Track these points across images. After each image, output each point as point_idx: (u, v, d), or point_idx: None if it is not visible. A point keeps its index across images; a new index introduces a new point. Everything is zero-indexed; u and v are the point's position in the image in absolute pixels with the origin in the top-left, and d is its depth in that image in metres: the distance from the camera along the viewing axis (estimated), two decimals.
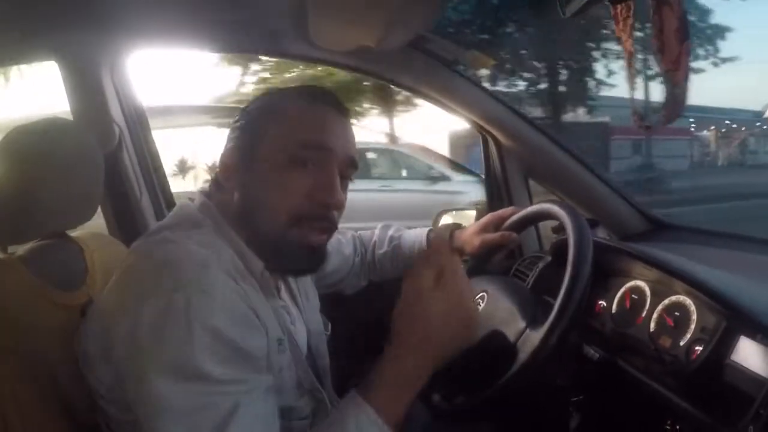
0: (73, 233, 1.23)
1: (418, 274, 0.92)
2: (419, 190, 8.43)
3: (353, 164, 1.04)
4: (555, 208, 1.28)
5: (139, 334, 0.80)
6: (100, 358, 0.87)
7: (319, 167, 0.98)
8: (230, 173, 1.00)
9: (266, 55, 1.68)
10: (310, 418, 1.05)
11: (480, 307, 1.22)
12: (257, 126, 1.00)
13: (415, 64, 1.73)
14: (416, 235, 1.59)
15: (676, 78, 0.81)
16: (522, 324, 1.09)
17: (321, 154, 0.98)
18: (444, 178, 8.83)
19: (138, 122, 1.79)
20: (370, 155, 8.91)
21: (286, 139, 0.97)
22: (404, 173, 9.23)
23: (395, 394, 0.88)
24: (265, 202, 0.97)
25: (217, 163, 1.03)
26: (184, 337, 0.78)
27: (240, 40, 1.71)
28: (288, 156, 0.96)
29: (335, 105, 1.03)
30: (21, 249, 1.12)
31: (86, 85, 1.63)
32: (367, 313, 1.62)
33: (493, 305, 1.21)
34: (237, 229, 0.98)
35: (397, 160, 9.34)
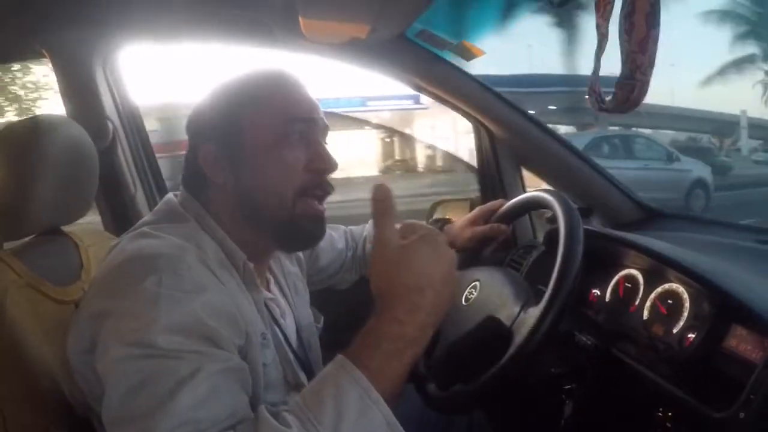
0: (68, 229, 1.24)
1: (383, 234, 0.83)
2: (662, 168, 11.23)
3: (327, 129, 1.08)
4: (544, 196, 1.27)
5: (112, 313, 0.81)
6: (85, 354, 0.86)
7: (306, 139, 1.01)
8: (217, 168, 1.00)
9: (256, 48, 1.68)
10: None
11: (473, 296, 1.23)
12: (232, 117, 1.01)
13: (406, 55, 1.72)
14: None
15: (638, 61, 0.81)
16: (516, 307, 1.09)
17: (306, 125, 1.02)
18: (677, 158, 11.80)
19: (132, 118, 1.80)
20: (615, 140, 11.63)
21: (269, 120, 0.99)
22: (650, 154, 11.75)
23: (389, 355, 0.78)
24: (267, 184, 0.99)
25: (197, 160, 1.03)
26: (150, 312, 0.77)
27: (230, 33, 1.71)
28: (275, 135, 0.99)
29: (297, 78, 1.06)
30: (16, 245, 1.12)
31: (79, 82, 1.63)
32: (361, 307, 1.63)
33: (486, 292, 1.21)
34: (223, 222, 1.00)
35: (642, 143, 12.04)
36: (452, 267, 0.85)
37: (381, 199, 0.83)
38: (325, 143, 1.06)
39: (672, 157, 11.85)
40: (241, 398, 0.79)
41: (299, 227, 1.02)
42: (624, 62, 0.82)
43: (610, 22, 0.86)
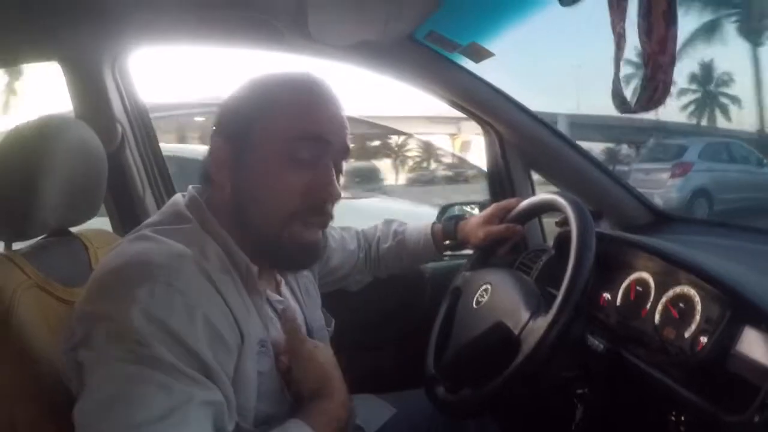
0: (78, 231, 1.24)
1: (299, 346, 1.00)
2: (755, 171, 13.09)
3: (347, 152, 1.02)
4: (558, 199, 1.27)
5: (104, 316, 0.79)
6: (72, 352, 0.83)
7: (314, 162, 0.95)
8: (222, 167, 0.97)
9: (265, 50, 1.67)
10: None
11: (484, 299, 1.22)
12: (248, 117, 0.96)
13: (416, 57, 1.72)
14: (420, 229, 1.58)
15: (660, 61, 0.80)
16: (526, 315, 1.09)
17: (316, 145, 0.96)
18: (765, 164, 13.64)
19: (141, 120, 1.80)
20: (721, 146, 13.27)
21: (278, 131, 0.94)
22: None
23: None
24: (260, 200, 0.95)
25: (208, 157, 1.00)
26: (136, 327, 0.76)
27: (239, 36, 1.71)
28: (282, 150, 0.94)
29: (327, 91, 1.00)
30: (25, 246, 1.12)
31: (88, 84, 1.64)
32: (371, 310, 1.63)
33: (496, 296, 1.21)
34: (225, 224, 0.96)
35: (740, 149, 13.69)
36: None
37: (289, 320, 1.02)
38: (341, 167, 1.02)
39: (762, 163, 13.77)
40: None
41: (284, 252, 0.98)
42: (646, 63, 0.80)
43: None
